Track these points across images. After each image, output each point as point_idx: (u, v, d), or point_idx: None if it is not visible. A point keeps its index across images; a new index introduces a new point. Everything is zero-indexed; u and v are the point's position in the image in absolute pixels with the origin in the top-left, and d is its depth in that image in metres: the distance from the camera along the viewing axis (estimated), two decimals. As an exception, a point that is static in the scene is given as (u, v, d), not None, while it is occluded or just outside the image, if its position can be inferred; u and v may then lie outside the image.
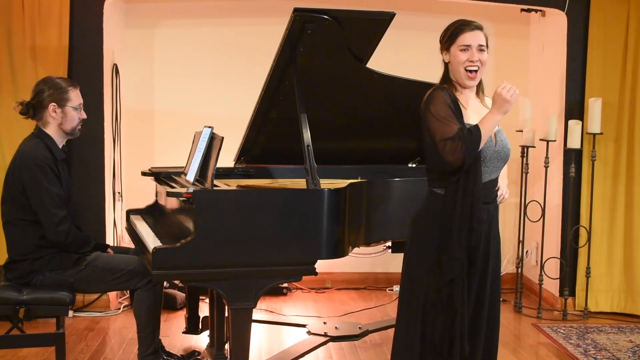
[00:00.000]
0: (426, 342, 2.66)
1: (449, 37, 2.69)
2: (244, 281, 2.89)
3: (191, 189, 2.89)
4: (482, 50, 2.66)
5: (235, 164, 3.94)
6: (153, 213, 3.91)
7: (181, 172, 3.67)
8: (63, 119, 3.37)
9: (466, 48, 2.65)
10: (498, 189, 2.76)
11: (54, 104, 3.35)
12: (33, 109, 3.36)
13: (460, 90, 2.72)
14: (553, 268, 5.00)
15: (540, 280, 4.93)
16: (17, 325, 3.33)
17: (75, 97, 3.41)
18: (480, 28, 2.69)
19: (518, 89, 2.56)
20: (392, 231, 3.42)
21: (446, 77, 2.74)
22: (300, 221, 2.94)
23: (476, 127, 2.57)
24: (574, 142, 4.73)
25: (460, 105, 2.66)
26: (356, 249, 3.30)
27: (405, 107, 3.52)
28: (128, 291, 4.50)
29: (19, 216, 3.29)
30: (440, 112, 2.61)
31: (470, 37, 2.66)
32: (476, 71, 2.66)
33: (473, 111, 2.68)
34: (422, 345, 2.67)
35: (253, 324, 3.07)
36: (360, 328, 4.02)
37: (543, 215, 4.91)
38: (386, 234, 3.44)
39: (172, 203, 3.42)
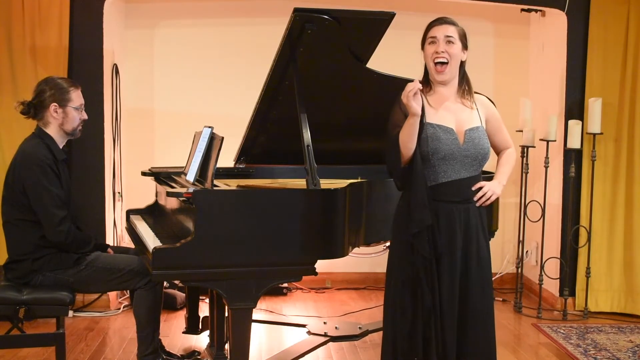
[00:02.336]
0: (392, 340, 2.66)
1: (423, 35, 2.70)
2: (244, 281, 2.89)
3: (191, 189, 2.89)
4: (450, 42, 2.63)
5: (235, 164, 3.94)
6: (153, 213, 3.91)
7: (181, 172, 3.67)
8: (64, 119, 3.38)
9: (433, 40, 2.65)
10: (480, 188, 2.69)
11: (55, 104, 3.35)
12: (34, 108, 3.37)
13: (435, 90, 2.70)
14: (553, 268, 5.00)
15: (540, 280, 4.93)
16: (17, 325, 3.33)
17: (76, 97, 3.41)
18: (451, 23, 2.67)
19: (418, 85, 2.52)
20: (392, 231, 3.41)
21: (425, 78, 2.73)
22: (300, 221, 2.94)
23: (396, 133, 2.59)
24: (574, 142, 4.72)
25: (427, 106, 2.65)
26: (356, 249, 3.30)
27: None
28: (128, 291, 4.50)
29: (19, 216, 3.29)
30: (393, 116, 2.66)
31: (437, 30, 2.65)
32: (445, 64, 2.63)
33: (448, 111, 2.65)
34: (392, 344, 2.67)
35: (253, 324, 3.07)
36: (360, 328, 4.02)
37: (543, 215, 4.91)
38: (386, 233, 3.43)
39: (172, 203, 3.42)
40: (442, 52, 2.62)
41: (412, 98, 2.50)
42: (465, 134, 2.65)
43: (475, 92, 2.80)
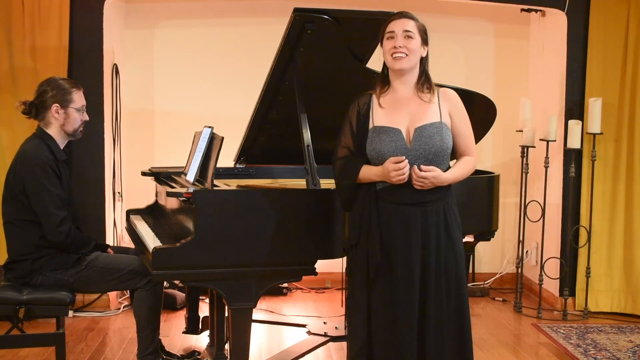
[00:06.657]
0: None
1: (381, 31, 2.65)
2: (244, 281, 2.89)
3: (191, 189, 2.89)
4: (408, 36, 2.57)
5: (235, 164, 3.94)
6: (153, 213, 3.91)
7: (181, 172, 3.67)
8: (65, 120, 3.38)
9: (391, 35, 2.59)
10: (442, 189, 2.59)
11: (56, 104, 3.35)
12: (36, 109, 3.37)
13: (392, 89, 2.66)
14: (553, 268, 5.00)
15: (540, 280, 4.94)
16: (17, 325, 3.33)
17: (78, 98, 3.41)
18: (410, 17, 2.61)
19: (405, 176, 2.48)
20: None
21: (383, 76, 2.69)
22: (300, 221, 2.94)
23: (355, 168, 2.59)
24: (574, 142, 4.73)
25: (377, 109, 2.62)
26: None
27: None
28: (128, 291, 4.50)
29: (20, 216, 3.29)
30: (343, 136, 2.68)
31: (395, 24, 2.60)
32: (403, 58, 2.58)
33: (400, 110, 2.59)
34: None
35: (253, 324, 3.07)
36: (360, 328, 4.02)
37: (543, 215, 4.91)
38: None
39: (172, 203, 3.42)
40: (400, 46, 2.56)
41: (398, 181, 2.50)
42: (414, 132, 2.55)
43: (443, 86, 2.71)
